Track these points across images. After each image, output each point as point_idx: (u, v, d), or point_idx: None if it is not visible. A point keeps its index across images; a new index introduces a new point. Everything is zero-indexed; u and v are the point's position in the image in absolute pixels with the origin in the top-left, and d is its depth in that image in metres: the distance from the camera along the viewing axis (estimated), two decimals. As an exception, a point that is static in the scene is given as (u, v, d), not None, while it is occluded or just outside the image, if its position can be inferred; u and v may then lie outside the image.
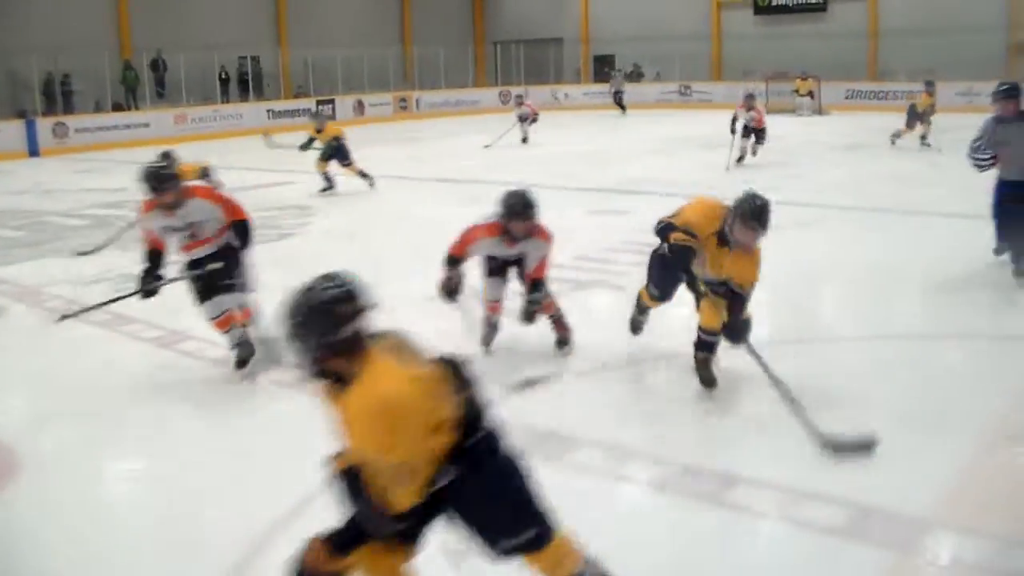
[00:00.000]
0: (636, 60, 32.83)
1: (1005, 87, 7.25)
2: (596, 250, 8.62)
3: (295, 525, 3.67)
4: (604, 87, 30.03)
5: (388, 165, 16.88)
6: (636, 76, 32.90)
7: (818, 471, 3.97)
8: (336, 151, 13.09)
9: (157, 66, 25.86)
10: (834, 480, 3.88)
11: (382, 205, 12.40)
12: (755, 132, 14.52)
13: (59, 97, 23.84)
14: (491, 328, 5.89)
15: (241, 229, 5.53)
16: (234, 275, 5.48)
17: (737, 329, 4.71)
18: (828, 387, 5.02)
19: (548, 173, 14.85)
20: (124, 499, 4.03)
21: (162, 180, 5.35)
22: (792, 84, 26.34)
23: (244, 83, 28.26)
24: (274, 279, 7.72)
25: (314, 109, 14.20)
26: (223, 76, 27.44)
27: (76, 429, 4.70)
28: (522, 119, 19.84)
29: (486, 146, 18.98)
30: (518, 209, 5.25)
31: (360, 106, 29.15)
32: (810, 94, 26.04)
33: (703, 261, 4.75)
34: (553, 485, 3.94)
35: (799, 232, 8.79)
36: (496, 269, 5.74)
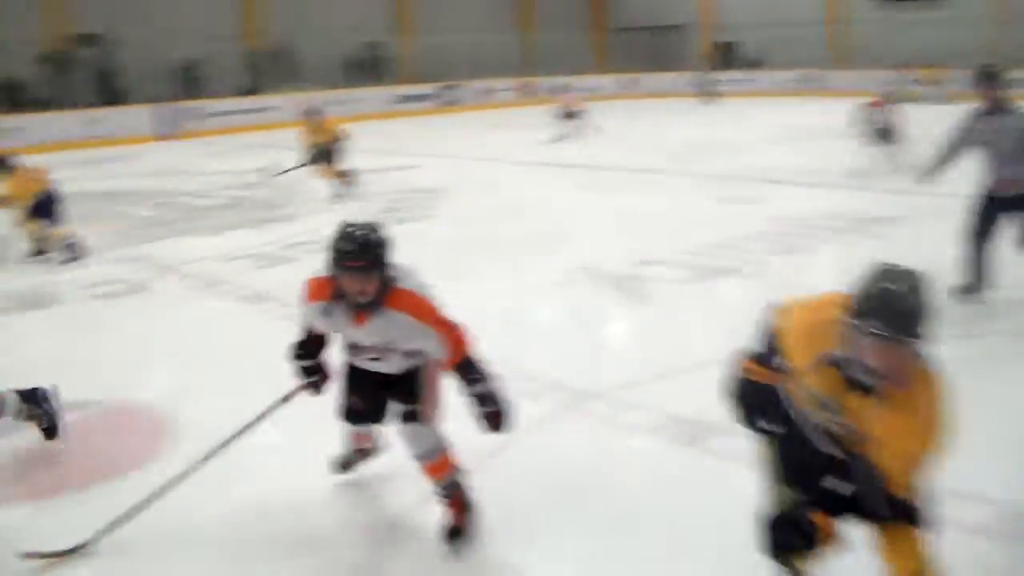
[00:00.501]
0: (757, 46, 32.06)
1: (989, 69, 5.67)
2: (728, 237, 8.36)
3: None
4: (726, 75, 29.30)
5: (512, 150, 16.95)
6: (756, 63, 32.18)
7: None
8: (332, 153, 11.57)
9: (283, 52, 26.65)
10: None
11: (508, 191, 12.29)
12: (887, 133, 12.23)
13: (190, 83, 24.80)
14: (357, 453, 3.97)
15: None
16: None
17: (873, 497, 2.43)
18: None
19: (671, 160, 14.65)
20: (263, 472, 4.11)
21: None
22: (915, 74, 25.30)
23: (367, 68, 28.84)
24: (405, 260, 7.85)
25: (305, 106, 12.21)
26: (347, 62, 28.05)
27: (219, 400, 4.81)
28: (568, 116, 18.32)
29: (550, 141, 17.72)
30: (343, 253, 3.05)
31: (483, 91, 29.39)
32: (934, 83, 24.97)
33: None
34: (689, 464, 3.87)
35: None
36: (361, 383, 3.44)
